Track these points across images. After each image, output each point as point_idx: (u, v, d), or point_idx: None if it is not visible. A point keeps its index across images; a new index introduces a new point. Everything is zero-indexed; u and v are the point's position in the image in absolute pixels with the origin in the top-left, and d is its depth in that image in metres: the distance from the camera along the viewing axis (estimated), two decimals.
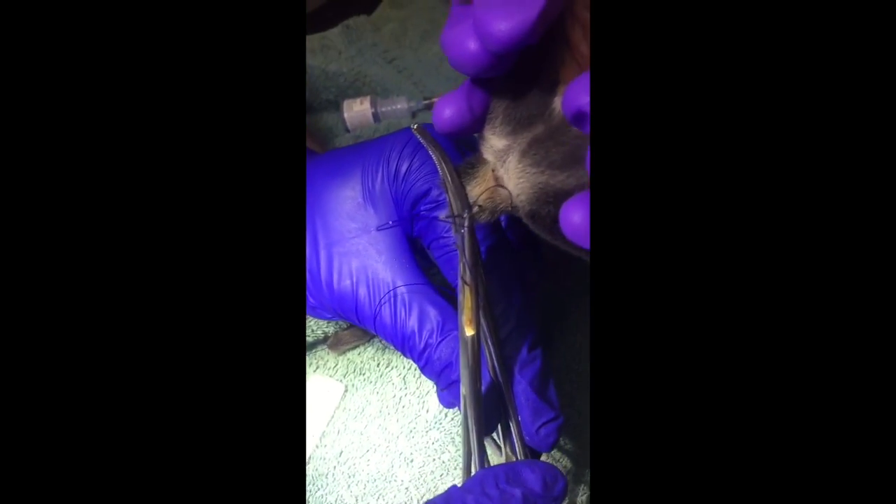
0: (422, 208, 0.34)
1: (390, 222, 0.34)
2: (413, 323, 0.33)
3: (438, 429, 0.41)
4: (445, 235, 0.34)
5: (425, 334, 0.33)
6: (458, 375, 0.31)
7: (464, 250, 0.28)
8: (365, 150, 0.36)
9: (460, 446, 0.40)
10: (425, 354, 0.33)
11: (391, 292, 0.33)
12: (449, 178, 0.29)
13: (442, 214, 0.32)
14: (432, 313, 0.33)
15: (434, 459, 0.40)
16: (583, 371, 0.43)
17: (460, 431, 0.37)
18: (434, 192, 0.34)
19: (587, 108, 0.21)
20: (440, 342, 0.33)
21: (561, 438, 0.42)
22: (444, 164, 0.29)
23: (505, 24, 0.21)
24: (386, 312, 0.33)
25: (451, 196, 0.29)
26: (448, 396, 0.33)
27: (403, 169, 0.35)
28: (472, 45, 0.22)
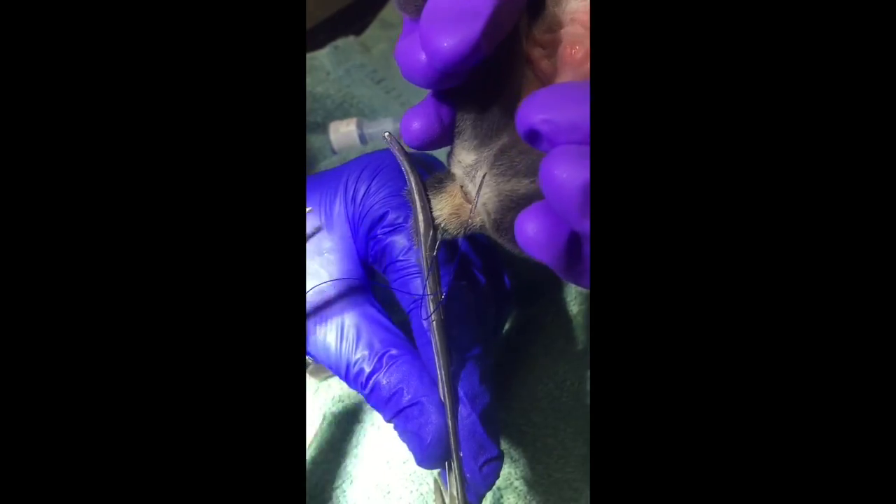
0: (378, 232, 0.33)
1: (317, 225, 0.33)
2: (359, 348, 0.32)
3: None
4: (402, 259, 0.33)
5: (373, 360, 0.32)
6: (408, 401, 0.30)
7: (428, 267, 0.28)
8: (325, 176, 0.36)
9: (438, 479, 0.39)
10: (371, 380, 0.32)
11: (340, 317, 0.32)
12: (415, 191, 0.28)
13: (402, 237, 0.32)
14: (381, 338, 0.32)
15: (412, 492, 0.39)
16: (566, 400, 0.42)
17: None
18: (391, 216, 0.33)
19: (539, 127, 0.20)
20: (390, 367, 0.31)
21: (545, 469, 0.41)
22: (412, 176, 0.28)
23: (448, 41, 0.21)
24: (331, 338, 0.32)
25: (416, 209, 0.28)
26: (401, 424, 0.32)
27: (361, 192, 0.34)
28: (421, 56, 0.22)
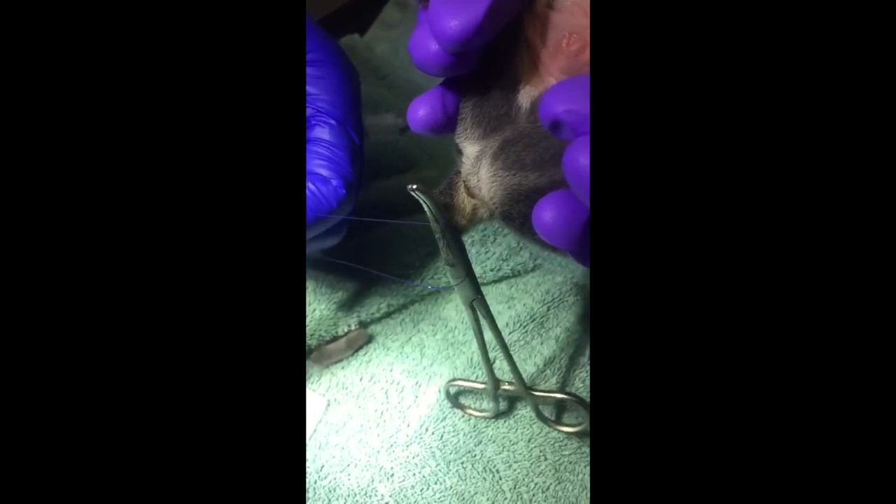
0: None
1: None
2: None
3: (419, 443, 0.41)
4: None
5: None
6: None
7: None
8: None
9: (440, 462, 0.40)
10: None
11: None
12: (448, 235, 0.30)
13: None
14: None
15: (414, 474, 0.40)
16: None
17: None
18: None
19: (562, 116, 0.21)
20: None
21: (542, 452, 0.41)
22: (441, 221, 0.29)
23: (454, 22, 0.22)
24: None
25: (449, 251, 0.30)
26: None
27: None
28: (433, 45, 0.24)
